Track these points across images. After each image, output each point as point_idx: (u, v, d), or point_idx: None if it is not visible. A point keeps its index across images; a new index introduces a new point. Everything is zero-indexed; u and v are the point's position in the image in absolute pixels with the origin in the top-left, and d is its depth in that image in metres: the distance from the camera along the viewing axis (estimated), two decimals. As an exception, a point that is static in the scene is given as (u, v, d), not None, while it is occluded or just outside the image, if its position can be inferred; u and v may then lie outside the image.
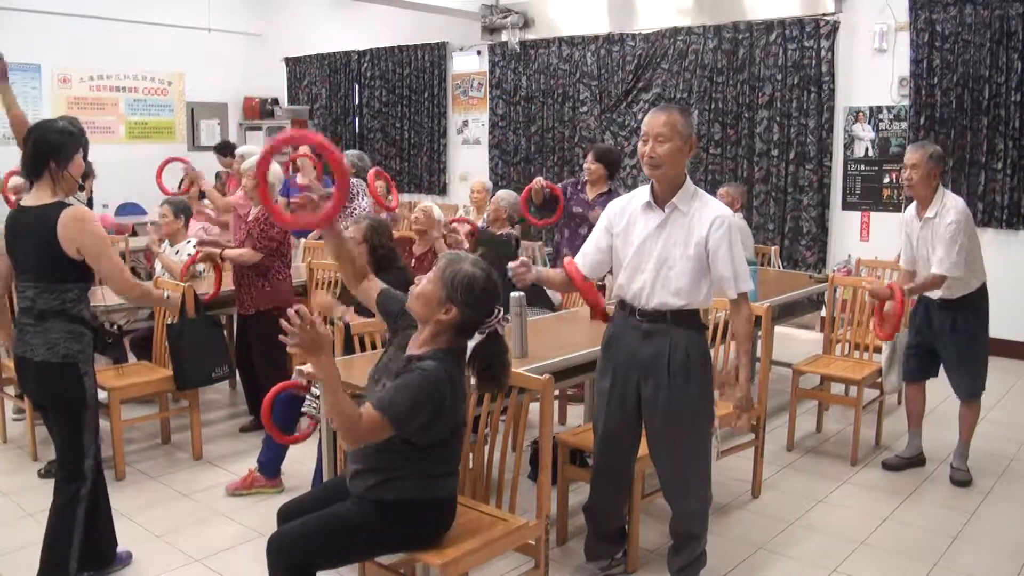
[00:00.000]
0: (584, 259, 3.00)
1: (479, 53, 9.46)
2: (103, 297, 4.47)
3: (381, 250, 3.89)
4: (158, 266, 5.20)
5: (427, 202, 5.31)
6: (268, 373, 4.40)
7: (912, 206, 4.10)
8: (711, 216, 2.78)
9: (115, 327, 3.00)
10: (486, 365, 2.49)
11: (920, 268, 4.06)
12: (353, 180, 6.77)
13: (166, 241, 5.18)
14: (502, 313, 2.47)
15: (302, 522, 2.36)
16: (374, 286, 2.69)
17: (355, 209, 6.53)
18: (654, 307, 2.81)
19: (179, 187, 6.26)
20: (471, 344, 2.48)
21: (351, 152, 6.91)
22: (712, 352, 3.12)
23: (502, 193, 5.24)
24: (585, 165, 5.43)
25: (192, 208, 5.78)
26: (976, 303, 4.03)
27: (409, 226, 5.34)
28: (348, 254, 2.68)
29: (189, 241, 5.07)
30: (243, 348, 4.74)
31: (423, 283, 2.43)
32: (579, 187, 5.37)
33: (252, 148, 6.60)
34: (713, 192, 3.70)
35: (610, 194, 5.07)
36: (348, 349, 3.59)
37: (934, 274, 3.87)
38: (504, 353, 2.53)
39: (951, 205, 3.90)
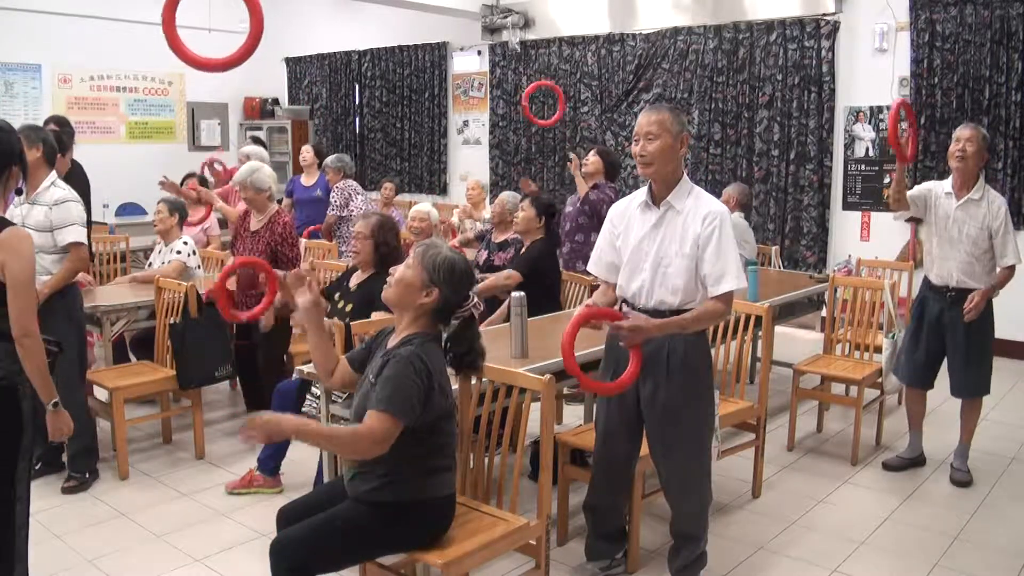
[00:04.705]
0: (598, 264, 3.01)
1: (479, 53, 9.46)
2: (99, 298, 4.51)
3: (385, 248, 3.88)
4: (155, 261, 5.18)
5: (425, 205, 5.30)
6: (272, 371, 4.51)
7: (943, 183, 3.96)
8: (704, 212, 2.77)
9: (55, 344, 2.70)
10: (466, 350, 2.58)
11: (942, 246, 3.94)
12: (348, 182, 6.78)
13: (161, 241, 5.17)
14: (476, 300, 2.52)
15: (304, 525, 2.37)
16: (342, 366, 2.60)
17: (353, 211, 6.54)
18: (654, 306, 2.81)
19: (181, 184, 6.27)
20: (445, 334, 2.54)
21: (329, 158, 6.93)
22: (712, 352, 3.12)
23: (505, 195, 5.22)
24: (586, 158, 5.64)
25: (188, 209, 5.76)
26: (989, 300, 3.99)
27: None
28: (324, 347, 2.58)
29: (182, 239, 5.05)
30: (244, 347, 4.74)
31: (401, 270, 2.46)
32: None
33: (256, 148, 6.59)
34: (716, 192, 3.70)
35: (596, 188, 5.42)
36: (348, 349, 3.59)
37: (1012, 266, 3.89)
38: (479, 338, 2.63)
39: (995, 194, 3.91)
